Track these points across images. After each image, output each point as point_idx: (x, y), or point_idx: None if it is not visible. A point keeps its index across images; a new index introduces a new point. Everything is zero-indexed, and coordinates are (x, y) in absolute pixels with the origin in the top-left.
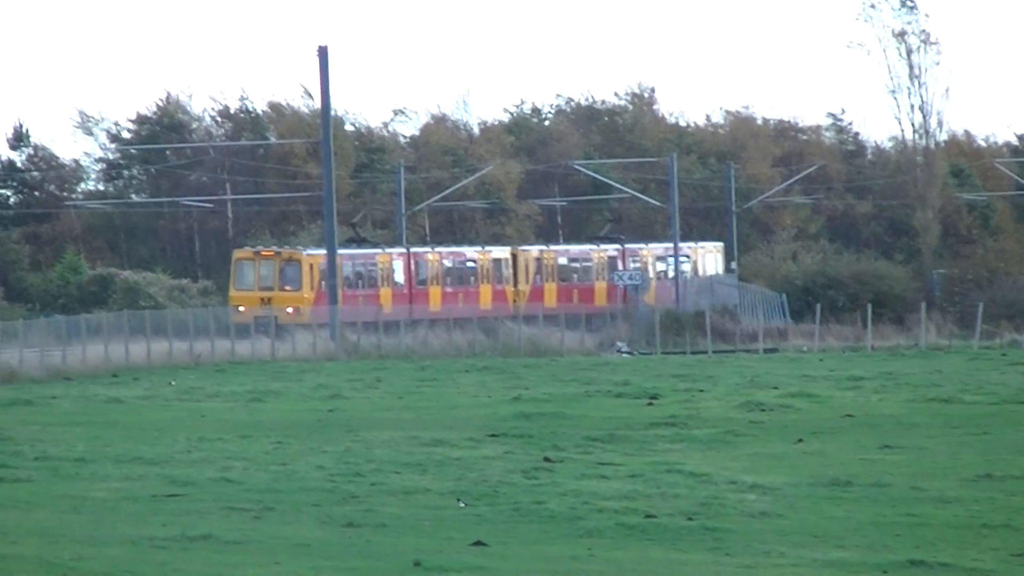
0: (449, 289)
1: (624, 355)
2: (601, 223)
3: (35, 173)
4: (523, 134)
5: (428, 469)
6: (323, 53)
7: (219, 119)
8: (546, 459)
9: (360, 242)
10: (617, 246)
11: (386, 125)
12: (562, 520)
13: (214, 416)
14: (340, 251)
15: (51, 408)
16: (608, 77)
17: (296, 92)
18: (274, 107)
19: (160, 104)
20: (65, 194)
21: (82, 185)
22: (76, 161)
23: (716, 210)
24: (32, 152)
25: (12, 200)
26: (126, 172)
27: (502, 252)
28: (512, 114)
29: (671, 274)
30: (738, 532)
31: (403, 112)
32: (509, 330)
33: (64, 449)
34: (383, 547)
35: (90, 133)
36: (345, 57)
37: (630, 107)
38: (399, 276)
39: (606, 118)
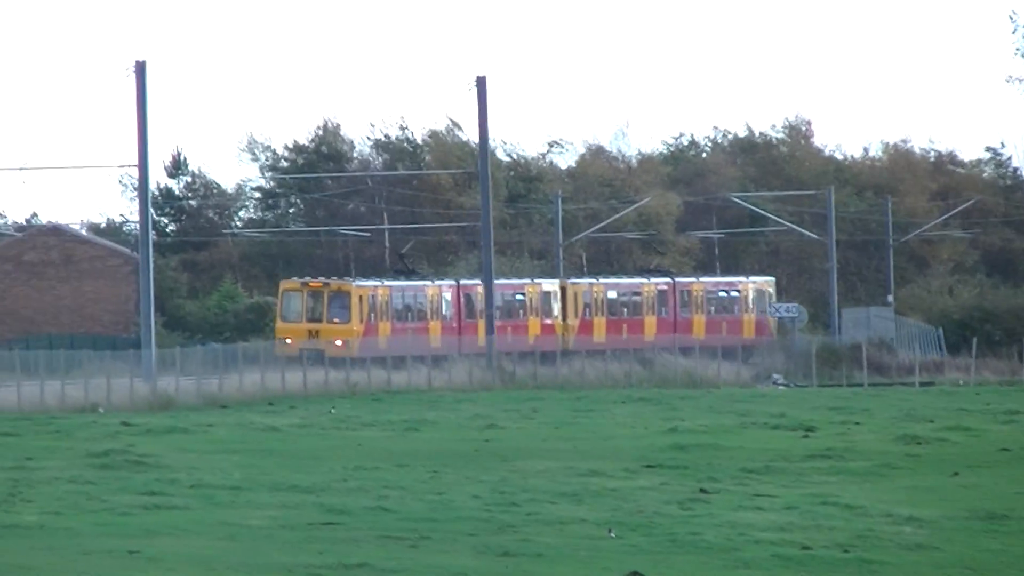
0: (498, 322)
1: (780, 387)
2: (758, 255)
3: (192, 201)
4: (680, 166)
5: (584, 499)
6: (481, 83)
7: (376, 148)
8: (702, 490)
9: (408, 274)
10: (667, 279)
11: (543, 156)
12: (718, 551)
13: (370, 445)
14: (388, 283)
15: (207, 436)
16: (765, 109)
17: (452, 121)
18: (433, 136)
19: (318, 133)
20: (223, 222)
21: (240, 213)
22: (239, 186)
23: (872, 243)
24: (190, 180)
25: (170, 227)
26: (283, 201)
27: (551, 285)
28: (669, 146)
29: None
30: (894, 564)
31: (559, 143)
32: (665, 361)
33: (220, 477)
34: None
35: (256, 159)
36: (502, 87)
37: (787, 139)
38: (448, 309)
39: (763, 150)
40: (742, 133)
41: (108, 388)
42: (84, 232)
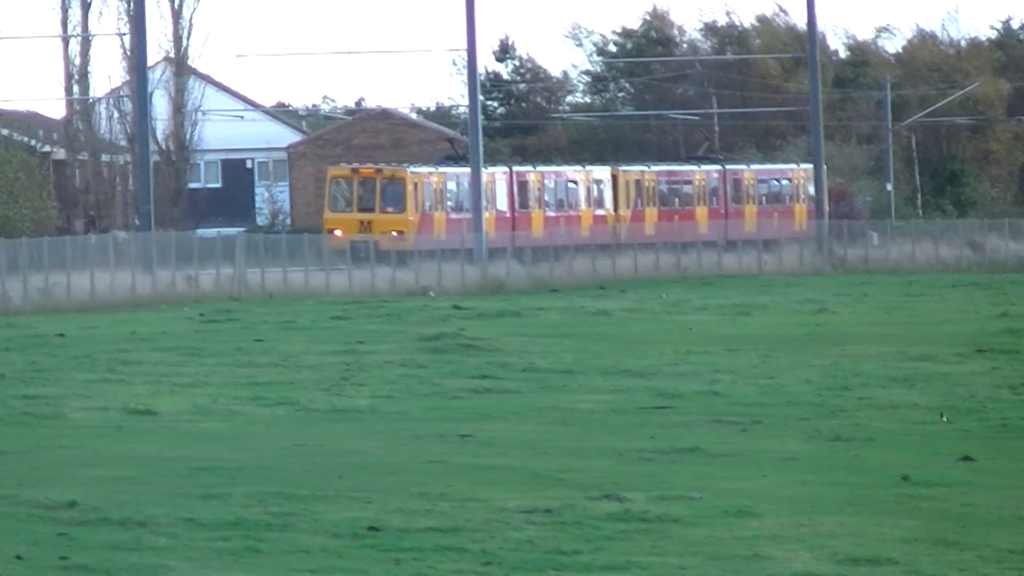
0: (551, 213)
1: None
2: None
3: (522, 85)
4: (1010, 51)
5: (915, 384)
6: None
7: (705, 33)
8: None
9: (457, 160)
10: (718, 167)
11: (873, 40)
12: None
13: (701, 329)
14: (442, 169)
15: (538, 320)
16: None
17: (779, 7)
18: (761, 21)
19: (646, 18)
20: (551, 107)
21: (568, 98)
22: (565, 73)
23: None
24: (518, 64)
25: (499, 112)
26: (612, 85)
27: (602, 173)
28: (998, 31)
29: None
30: None
31: (887, 29)
32: (995, 246)
33: (552, 361)
34: (870, 461)
35: (580, 44)
36: None
37: None
38: (502, 198)
39: None
40: None
41: (439, 272)
42: (413, 116)
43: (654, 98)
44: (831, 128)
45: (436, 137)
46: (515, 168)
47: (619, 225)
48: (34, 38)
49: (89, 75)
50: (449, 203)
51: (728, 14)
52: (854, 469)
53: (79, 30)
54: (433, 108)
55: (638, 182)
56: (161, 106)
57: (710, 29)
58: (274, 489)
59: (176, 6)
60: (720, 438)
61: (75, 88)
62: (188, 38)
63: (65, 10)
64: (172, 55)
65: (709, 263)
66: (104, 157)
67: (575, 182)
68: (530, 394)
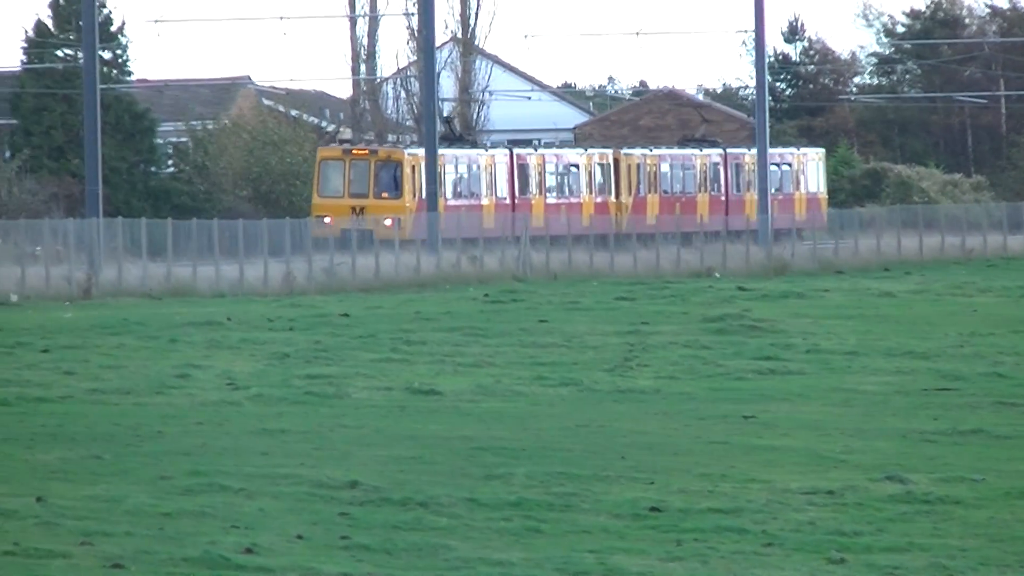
0: (551, 200)
1: None
2: None
3: (810, 66)
4: None
5: None
6: None
7: (991, 15)
8: None
9: (453, 141)
10: (719, 151)
11: None
12: None
13: (986, 311)
14: (441, 152)
15: (823, 301)
16: None
17: None
18: None
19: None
20: (839, 88)
21: (857, 79)
22: (853, 53)
23: None
24: (807, 45)
25: (787, 93)
26: (900, 67)
27: (604, 156)
28: None
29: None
30: None
31: None
32: None
33: (835, 342)
34: None
35: (871, 26)
36: None
37: None
38: (502, 183)
39: None
40: None
41: (724, 253)
42: (700, 97)
43: (941, 80)
44: None
45: (723, 118)
46: (516, 151)
47: (620, 214)
48: (322, 18)
49: (376, 55)
50: (448, 188)
51: None
52: None
53: (367, 10)
54: (720, 90)
55: (639, 166)
56: (447, 86)
57: (995, 13)
58: (556, 469)
59: None
60: (1003, 420)
61: (362, 68)
62: (475, 18)
63: None
64: (459, 35)
65: (994, 245)
66: (390, 137)
67: (576, 166)
68: (813, 375)
